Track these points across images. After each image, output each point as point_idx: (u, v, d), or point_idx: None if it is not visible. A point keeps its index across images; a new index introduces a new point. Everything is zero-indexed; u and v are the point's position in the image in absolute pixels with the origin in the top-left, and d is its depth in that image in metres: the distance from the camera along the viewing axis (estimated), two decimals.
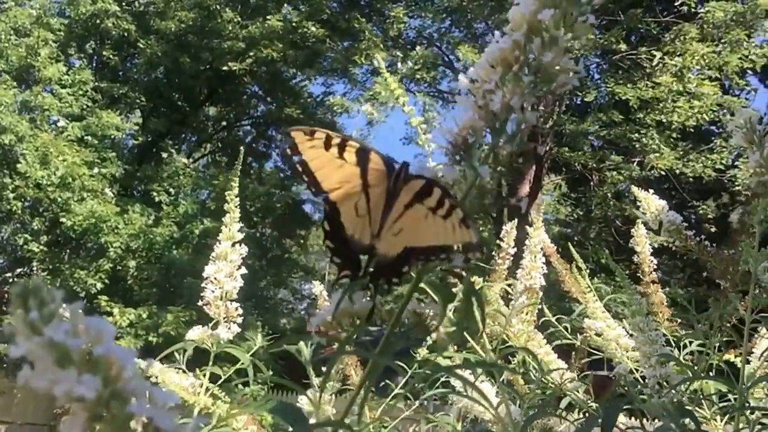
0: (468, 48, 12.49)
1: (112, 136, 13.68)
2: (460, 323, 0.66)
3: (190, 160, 16.55)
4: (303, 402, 1.90)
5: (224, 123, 18.40)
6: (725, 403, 1.77)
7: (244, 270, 1.72)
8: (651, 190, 1.93)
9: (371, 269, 0.84)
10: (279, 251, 16.46)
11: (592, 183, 13.96)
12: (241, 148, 2.18)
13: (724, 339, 1.67)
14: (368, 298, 0.82)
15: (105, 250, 12.62)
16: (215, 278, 1.68)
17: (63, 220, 12.31)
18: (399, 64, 13.05)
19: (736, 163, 12.93)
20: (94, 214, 12.32)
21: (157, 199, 14.08)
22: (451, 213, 0.75)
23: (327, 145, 0.88)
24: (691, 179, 13.01)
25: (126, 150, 15.74)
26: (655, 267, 2.13)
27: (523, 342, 1.75)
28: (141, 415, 0.43)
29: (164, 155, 15.66)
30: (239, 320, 1.71)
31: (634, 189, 2.00)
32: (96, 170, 12.78)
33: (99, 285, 12.34)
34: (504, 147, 0.72)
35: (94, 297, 12.17)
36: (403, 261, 0.80)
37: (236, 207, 1.76)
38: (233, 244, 1.74)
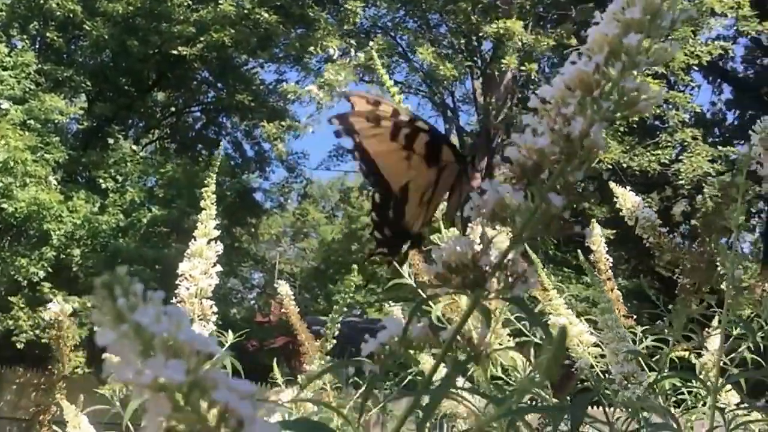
0: (426, 49, 12.52)
1: (56, 121, 13.28)
2: (547, 369, 0.63)
3: (138, 146, 16.17)
4: (285, 396, 1.87)
5: (173, 109, 18.03)
6: (680, 397, 1.84)
7: (219, 267, 1.67)
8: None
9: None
10: (229, 240, 16.26)
11: None
12: (220, 147, 2.11)
13: (682, 335, 1.71)
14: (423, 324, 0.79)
15: (48, 237, 12.28)
16: (190, 275, 1.62)
17: (4, 206, 11.91)
18: (353, 53, 12.98)
19: (680, 157, 13.27)
20: (37, 201, 11.96)
21: (103, 185, 13.74)
22: None
23: (394, 136, 0.87)
24: (637, 173, 13.30)
25: (70, 135, 15.32)
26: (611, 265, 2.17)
27: (492, 340, 1.74)
28: (223, 403, 0.43)
29: (110, 141, 15.27)
30: (214, 318, 1.67)
31: (612, 185, 2.03)
32: (39, 155, 12.39)
33: (42, 273, 12.01)
34: (575, 173, 0.68)
35: (37, 285, 11.85)
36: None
37: (212, 204, 1.71)
38: (209, 241, 1.69)
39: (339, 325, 1.90)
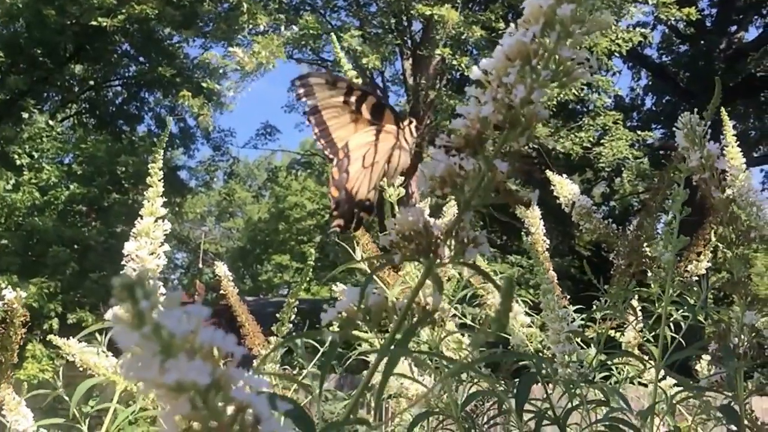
0: (351, 36, 12.45)
1: None
2: (498, 320, 0.65)
3: (54, 121, 15.49)
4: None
5: (92, 83, 17.36)
6: (606, 374, 1.92)
7: (167, 247, 1.61)
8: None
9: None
10: None
11: None
12: (169, 121, 2.03)
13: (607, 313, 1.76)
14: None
15: None
16: (137, 256, 1.56)
17: None
18: (282, 29, 12.78)
19: (602, 141, 13.70)
20: None
21: (17, 162, 13.15)
22: None
23: (347, 95, 0.95)
24: (560, 155, 13.65)
25: None
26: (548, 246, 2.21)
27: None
28: (240, 400, 0.44)
29: (25, 115, 14.60)
30: (161, 299, 1.60)
31: (549, 174, 2.06)
32: None
33: None
34: (518, 140, 0.71)
35: None
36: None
37: (160, 181, 1.64)
38: (156, 220, 1.62)
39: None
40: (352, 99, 0.94)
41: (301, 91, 0.94)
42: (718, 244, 1.26)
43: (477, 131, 0.71)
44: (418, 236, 0.75)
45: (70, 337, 1.71)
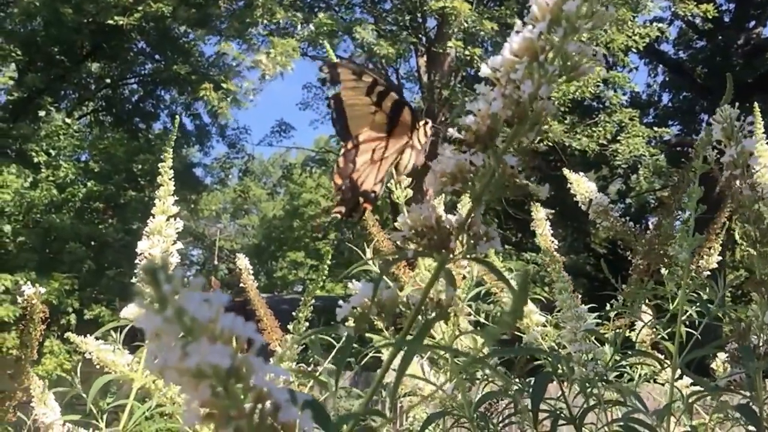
0: (363, 29, 12.45)
1: None
2: (513, 313, 0.65)
3: (71, 119, 15.60)
4: None
5: (108, 80, 17.46)
6: (619, 371, 1.91)
7: (180, 245, 1.62)
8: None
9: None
10: None
11: None
12: (176, 119, 2.04)
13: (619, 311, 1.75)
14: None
15: None
16: (150, 254, 1.57)
17: None
18: (299, 27, 12.79)
19: (618, 138, 13.59)
20: None
21: (35, 159, 13.25)
22: None
23: (369, 91, 0.97)
24: (576, 152, 13.56)
25: None
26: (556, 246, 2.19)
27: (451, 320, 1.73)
28: (260, 388, 0.44)
29: (42, 113, 14.71)
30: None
31: (566, 171, 2.04)
32: None
33: None
34: (527, 135, 0.72)
35: None
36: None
37: (170, 179, 1.65)
38: (168, 218, 1.63)
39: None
40: (374, 95, 0.97)
41: (328, 77, 0.97)
42: (738, 241, 1.24)
43: (487, 127, 0.72)
44: (430, 231, 0.76)
45: (87, 335, 1.72)
